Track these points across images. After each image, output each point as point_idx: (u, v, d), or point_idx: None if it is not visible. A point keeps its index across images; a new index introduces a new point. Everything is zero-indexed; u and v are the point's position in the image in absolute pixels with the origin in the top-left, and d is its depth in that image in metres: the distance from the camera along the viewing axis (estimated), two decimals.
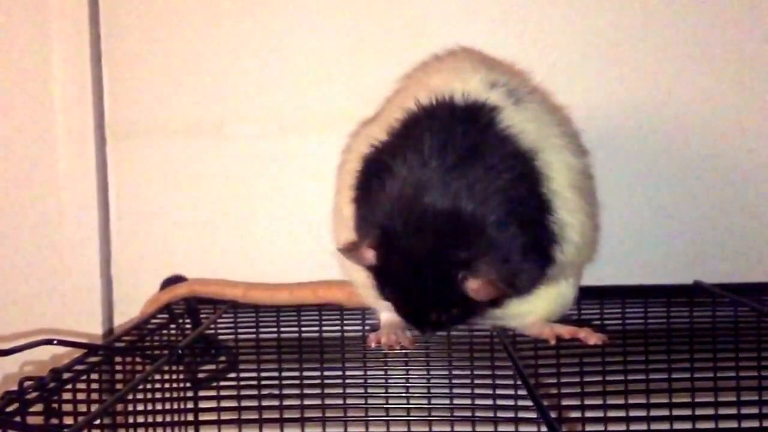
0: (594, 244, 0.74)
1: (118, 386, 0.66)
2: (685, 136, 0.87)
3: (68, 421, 0.57)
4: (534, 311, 0.72)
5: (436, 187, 0.62)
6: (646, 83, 0.87)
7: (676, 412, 0.62)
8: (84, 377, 0.61)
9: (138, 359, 0.68)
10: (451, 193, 0.61)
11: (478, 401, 0.69)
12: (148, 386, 0.69)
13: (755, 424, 0.64)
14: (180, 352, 0.63)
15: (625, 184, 0.88)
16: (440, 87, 0.67)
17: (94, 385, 0.63)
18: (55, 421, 0.55)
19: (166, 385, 0.71)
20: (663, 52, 0.87)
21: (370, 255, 0.64)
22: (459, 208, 0.61)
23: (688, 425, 0.61)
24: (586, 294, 0.80)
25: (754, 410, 0.63)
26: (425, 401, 0.69)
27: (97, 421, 0.57)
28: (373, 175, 0.66)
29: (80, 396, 0.61)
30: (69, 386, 0.59)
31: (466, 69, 0.70)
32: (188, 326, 0.81)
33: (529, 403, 0.54)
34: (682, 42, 0.87)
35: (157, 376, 0.71)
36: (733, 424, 0.62)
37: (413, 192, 0.62)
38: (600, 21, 0.87)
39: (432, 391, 0.69)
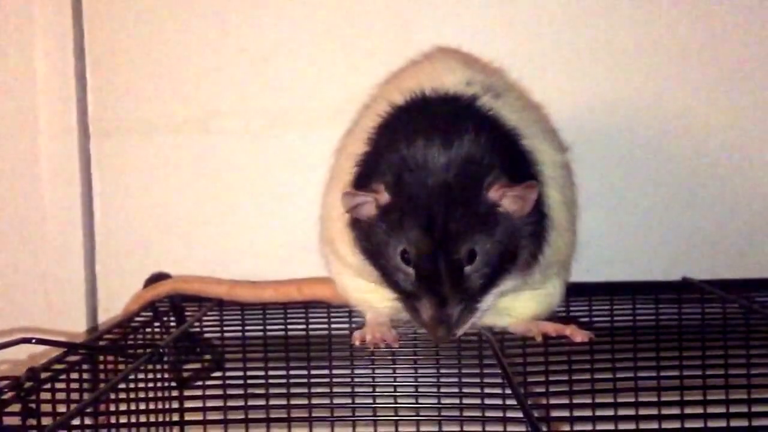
0: (573, 246, 0.73)
1: (101, 386, 0.65)
2: (673, 133, 0.87)
3: (47, 421, 0.55)
4: (522, 311, 0.71)
5: (440, 144, 0.61)
6: (634, 80, 0.87)
7: (664, 411, 0.62)
8: (63, 377, 0.60)
9: (120, 358, 0.67)
10: (454, 147, 0.61)
11: (466, 401, 0.68)
12: (131, 386, 0.69)
13: (744, 422, 0.63)
14: (162, 350, 0.62)
15: (613, 181, 0.88)
16: (415, 89, 0.67)
17: (75, 385, 0.62)
18: (32, 421, 0.54)
19: (150, 385, 0.70)
20: (649, 48, 0.87)
21: (381, 195, 0.62)
22: (469, 153, 0.61)
23: (676, 424, 0.60)
24: (575, 291, 0.79)
25: (743, 408, 0.63)
26: (413, 400, 0.68)
27: (77, 422, 0.56)
28: (371, 155, 0.65)
29: (61, 396, 0.59)
30: (48, 386, 0.58)
31: (441, 69, 0.70)
32: (173, 324, 0.80)
33: (516, 402, 0.53)
34: (668, 38, 0.87)
35: (141, 375, 0.70)
36: (722, 423, 0.62)
37: (418, 150, 0.61)
38: (590, 20, 0.87)
39: (419, 390, 0.68)
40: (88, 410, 0.57)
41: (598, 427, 0.60)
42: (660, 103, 0.87)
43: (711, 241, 0.88)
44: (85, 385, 0.64)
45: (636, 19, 0.87)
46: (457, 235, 0.60)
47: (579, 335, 0.68)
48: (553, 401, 0.64)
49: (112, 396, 0.67)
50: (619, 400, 0.64)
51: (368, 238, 0.64)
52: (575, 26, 0.87)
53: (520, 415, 0.52)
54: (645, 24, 0.87)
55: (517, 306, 0.71)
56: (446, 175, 0.61)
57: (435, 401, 0.68)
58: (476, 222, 0.61)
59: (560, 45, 0.87)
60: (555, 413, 0.63)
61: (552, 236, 0.66)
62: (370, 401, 0.64)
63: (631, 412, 0.62)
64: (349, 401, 0.65)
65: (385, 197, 0.62)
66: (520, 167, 0.64)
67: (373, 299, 0.72)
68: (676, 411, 0.62)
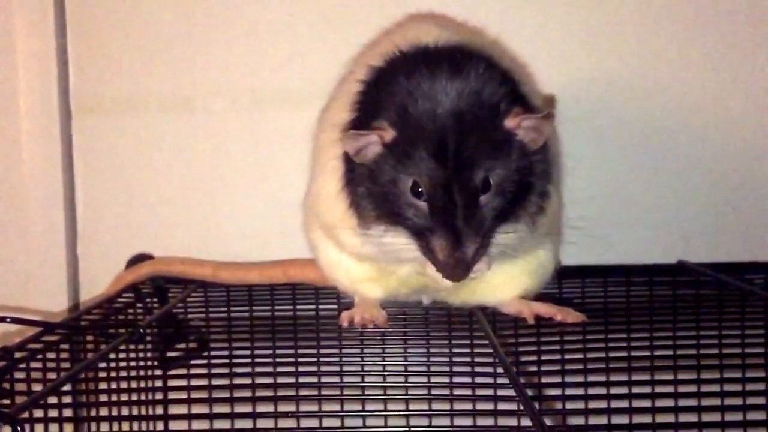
0: (560, 209, 0.71)
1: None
2: (669, 116, 0.86)
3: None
4: (515, 284, 0.70)
5: (447, 77, 0.59)
6: (631, 63, 0.86)
7: (658, 390, 0.61)
8: (40, 356, 0.58)
9: (100, 338, 0.65)
10: (461, 79, 0.59)
11: (456, 379, 0.67)
12: (112, 365, 0.67)
13: (738, 401, 0.62)
14: (142, 330, 0.60)
15: (608, 163, 0.87)
16: (393, 50, 0.65)
17: (52, 365, 0.60)
18: (6, 401, 0.52)
19: (132, 364, 0.68)
20: (649, 32, 0.86)
21: (386, 131, 0.59)
22: (478, 83, 0.59)
23: (670, 402, 0.60)
24: (568, 273, 0.78)
25: (738, 387, 0.62)
26: (402, 379, 0.67)
27: (54, 400, 0.54)
28: (364, 104, 0.63)
29: (37, 376, 0.58)
30: (23, 366, 0.56)
31: (418, 31, 0.67)
32: (156, 306, 0.79)
33: (507, 381, 0.52)
34: (665, 19, 0.86)
35: (123, 355, 0.68)
36: (716, 402, 0.62)
37: (423, 83, 0.59)
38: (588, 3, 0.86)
39: (409, 369, 0.67)
40: (66, 389, 0.56)
41: (591, 405, 0.59)
42: (657, 87, 0.86)
43: (707, 224, 0.87)
44: (65, 366, 0.62)
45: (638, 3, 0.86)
46: (472, 161, 0.58)
47: (571, 317, 0.67)
48: (545, 380, 0.62)
49: (92, 376, 0.65)
50: (612, 379, 0.63)
51: (374, 182, 0.61)
52: (571, 3, 0.86)
53: (511, 393, 0.51)
54: (641, 2, 0.86)
55: (509, 280, 0.69)
56: (457, 103, 0.58)
57: (425, 380, 0.67)
58: (491, 149, 0.59)
59: (555, 24, 0.86)
60: (547, 392, 0.62)
61: (552, 186, 0.64)
62: (359, 380, 0.63)
63: (624, 390, 0.61)
64: (337, 380, 0.64)
65: (390, 133, 0.59)
66: (523, 101, 0.62)
67: (366, 288, 0.70)
68: (669, 389, 0.61)
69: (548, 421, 0.46)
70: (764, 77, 0.86)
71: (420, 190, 0.59)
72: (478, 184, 0.58)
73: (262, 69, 0.87)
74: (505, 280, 0.69)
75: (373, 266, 0.69)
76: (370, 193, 0.61)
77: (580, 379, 0.63)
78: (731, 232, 0.87)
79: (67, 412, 0.58)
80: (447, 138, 0.58)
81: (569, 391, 0.61)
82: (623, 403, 0.59)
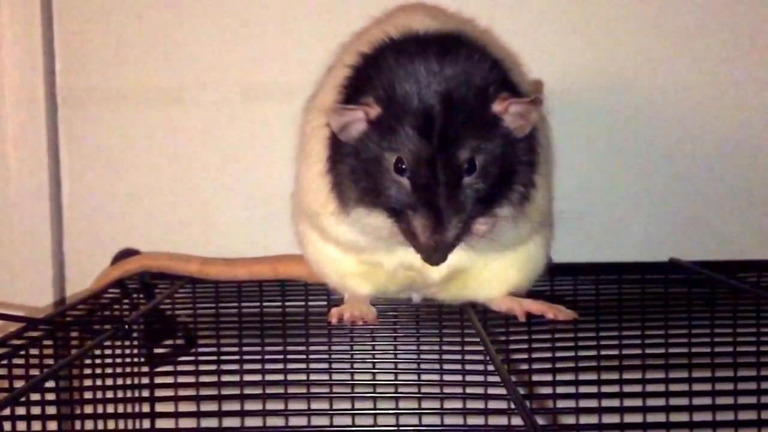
0: (551, 201, 0.71)
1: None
2: (661, 114, 0.86)
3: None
4: (504, 278, 0.69)
5: (435, 60, 0.59)
6: (623, 61, 0.86)
7: (649, 388, 0.61)
8: (23, 353, 0.57)
9: (85, 334, 0.64)
10: (450, 62, 0.59)
11: (447, 377, 0.66)
12: (98, 362, 0.66)
13: (730, 400, 0.62)
14: (128, 326, 0.59)
15: (600, 161, 0.86)
16: (383, 37, 0.64)
17: (36, 361, 0.59)
18: None
19: (118, 361, 0.67)
20: (639, 29, 0.85)
21: (372, 107, 0.58)
22: (467, 67, 0.59)
23: (661, 401, 0.59)
24: (559, 270, 0.78)
25: (729, 386, 0.62)
26: (392, 377, 0.66)
27: (37, 397, 0.53)
28: (352, 83, 0.62)
29: (19, 372, 0.57)
30: (5, 362, 0.55)
31: (407, 19, 0.66)
32: (143, 302, 0.78)
33: (498, 379, 0.51)
34: (657, 15, 0.85)
35: (108, 352, 0.67)
36: (708, 401, 0.61)
37: (411, 64, 0.59)
38: None
39: (399, 367, 0.66)
40: (49, 386, 0.55)
41: (582, 404, 0.59)
42: (649, 85, 0.86)
43: (699, 223, 0.87)
44: (48, 362, 0.61)
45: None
46: (457, 140, 0.58)
47: (562, 315, 0.66)
48: (535, 378, 0.62)
49: (76, 372, 0.64)
50: (603, 377, 0.62)
51: (357, 159, 0.60)
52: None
53: (502, 392, 0.51)
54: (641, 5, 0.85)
55: (498, 274, 0.68)
56: (446, 84, 0.58)
57: (415, 378, 0.66)
58: (478, 129, 0.58)
59: (546, 19, 0.85)
60: (538, 390, 0.62)
61: (539, 178, 0.63)
62: (348, 377, 0.62)
63: (615, 389, 0.60)
64: (326, 378, 0.63)
65: (375, 110, 0.59)
66: (512, 86, 0.62)
67: (354, 284, 0.69)
68: (660, 388, 0.61)
69: (540, 420, 0.45)
70: (758, 75, 0.86)
71: (403, 166, 0.58)
72: (463, 163, 0.58)
73: (251, 62, 0.86)
74: (494, 274, 0.68)
75: (359, 259, 0.68)
76: (353, 171, 0.61)
77: (571, 377, 0.62)
78: (723, 230, 0.87)
79: (51, 410, 0.57)
80: (433, 115, 0.58)
81: (560, 390, 0.61)
82: (614, 402, 0.58)
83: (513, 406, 0.47)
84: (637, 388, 0.62)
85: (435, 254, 0.58)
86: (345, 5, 0.85)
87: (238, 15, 0.86)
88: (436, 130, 0.57)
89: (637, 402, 0.58)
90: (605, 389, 0.62)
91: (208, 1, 0.86)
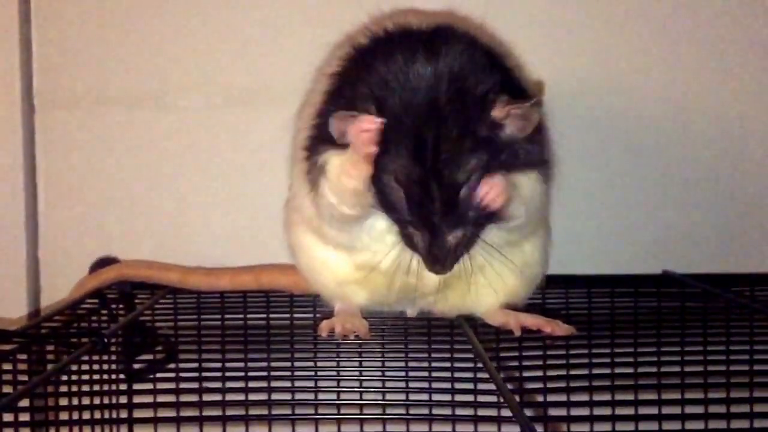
0: (547, 199, 0.69)
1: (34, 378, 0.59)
2: (655, 124, 0.86)
3: None
4: (502, 283, 0.67)
5: (424, 58, 0.57)
6: (617, 69, 0.85)
7: (642, 396, 0.61)
8: None
9: (61, 348, 0.62)
10: (440, 60, 0.57)
11: (435, 396, 0.65)
12: (74, 377, 0.64)
13: (722, 409, 0.60)
14: (106, 339, 0.57)
15: (594, 172, 0.86)
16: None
17: (8, 377, 0.56)
18: None
19: (96, 377, 0.65)
20: (637, 35, 0.85)
21: (372, 115, 0.56)
22: (460, 66, 0.57)
23: (653, 410, 0.59)
24: (552, 282, 0.76)
25: (722, 393, 0.61)
26: (380, 396, 0.64)
27: (10, 417, 0.51)
28: (344, 85, 0.61)
29: None
30: None
31: (399, 19, 0.65)
32: (122, 313, 0.76)
33: (491, 397, 0.50)
34: (653, 25, 0.84)
35: (85, 367, 0.65)
36: (700, 409, 0.59)
37: (399, 66, 0.57)
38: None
39: (387, 385, 0.65)
40: (22, 405, 0.52)
41: (573, 413, 0.58)
42: (645, 96, 0.85)
43: (692, 236, 0.86)
44: (22, 378, 0.59)
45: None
46: (451, 161, 0.56)
47: (560, 329, 0.65)
48: (527, 386, 0.61)
49: (51, 389, 0.62)
50: (595, 385, 0.62)
51: None
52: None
53: (492, 412, 0.49)
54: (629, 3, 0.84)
55: (495, 279, 0.66)
56: (435, 91, 0.56)
57: (403, 397, 0.64)
58: (474, 143, 0.57)
59: (541, 24, 0.84)
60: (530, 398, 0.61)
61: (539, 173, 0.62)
62: (334, 397, 0.60)
63: (607, 397, 0.60)
64: (312, 397, 0.61)
65: (377, 118, 0.57)
66: (513, 87, 0.60)
67: (350, 291, 0.68)
68: (653, 396, 0.61)
69: None
70: (755, 89, 0.85)
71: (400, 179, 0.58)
72: (458, 182, 0.57)
73: (236, 66, 0.85)
74: (490, 279, 0.66)
75: (357, 262, 0.66)
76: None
77: (562, 384, 0.61)
78: (717, 243, 0.86)
79: (25, 430, 0.55)
80: (423, 133, 0.56)
81: (552, 411, 0.59)
82: (606, 410, 0.58)
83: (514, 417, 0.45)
84: (630, 396, 0.61)
85: (435, 266, 0.58)
86: (330, 10, 0.84)
87: (222, 17, 0.85)
88: (428, 151, 0.56)
89: (629, 410, 0.58)
90: (596, 397, 0.62)
91: (190, 3, 0.84)
